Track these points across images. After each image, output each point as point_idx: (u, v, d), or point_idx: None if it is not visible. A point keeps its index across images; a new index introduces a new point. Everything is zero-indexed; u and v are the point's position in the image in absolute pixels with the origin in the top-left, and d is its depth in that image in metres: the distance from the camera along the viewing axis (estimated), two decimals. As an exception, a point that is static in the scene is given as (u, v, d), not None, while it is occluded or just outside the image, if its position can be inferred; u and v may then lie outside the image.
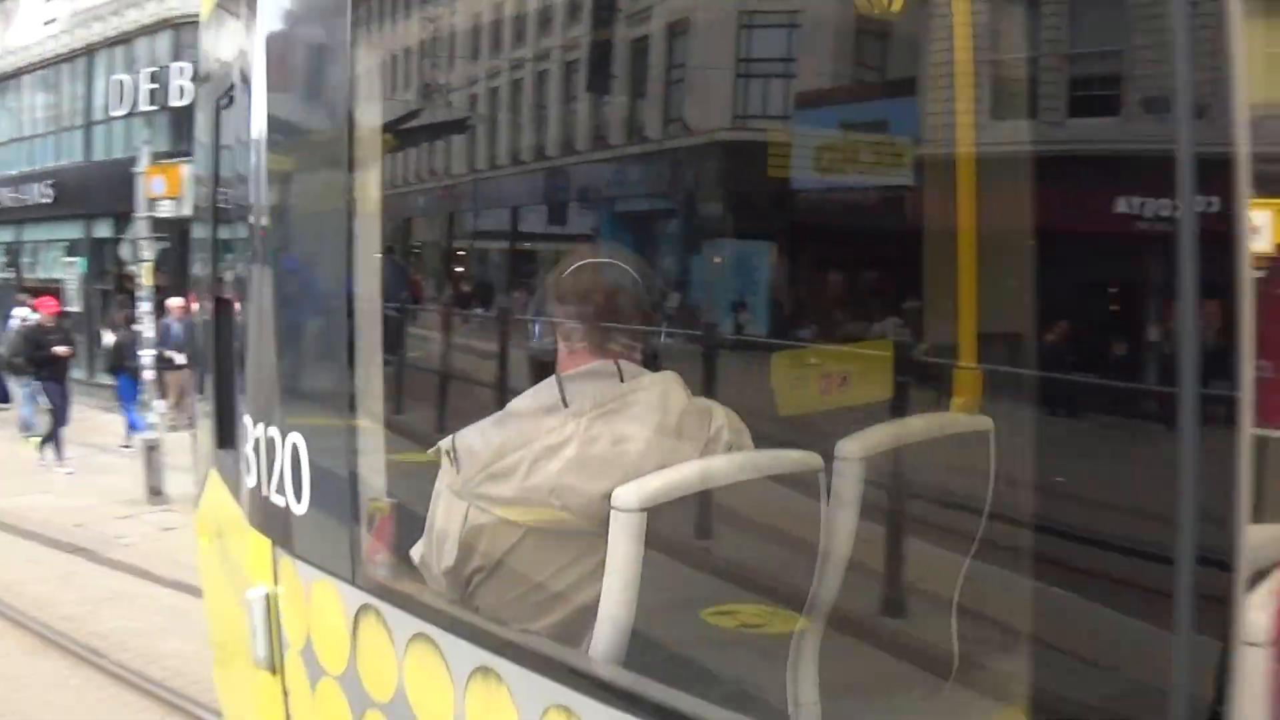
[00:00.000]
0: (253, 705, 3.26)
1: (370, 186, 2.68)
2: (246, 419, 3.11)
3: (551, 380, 2.26)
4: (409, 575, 2.43)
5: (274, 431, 2.88)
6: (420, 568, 2.35)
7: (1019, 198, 2.10)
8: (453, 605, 2.28)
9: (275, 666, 2.98)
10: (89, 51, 21.88)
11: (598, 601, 2.03)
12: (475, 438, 2.23)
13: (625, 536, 1.95)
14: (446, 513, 2.23)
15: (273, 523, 2.94)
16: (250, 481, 3.07)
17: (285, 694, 2.95)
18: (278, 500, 2.85)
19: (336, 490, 2.63)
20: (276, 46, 3.02)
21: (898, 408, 2.53)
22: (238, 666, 3.38)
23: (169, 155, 14.20)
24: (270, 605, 2.98)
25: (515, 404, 2.30)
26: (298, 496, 2.77)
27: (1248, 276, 1.37)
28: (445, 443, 2.24)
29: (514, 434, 2.18)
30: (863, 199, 2.76)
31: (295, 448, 2.76)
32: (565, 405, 2.19)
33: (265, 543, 3.00)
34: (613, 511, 1.96)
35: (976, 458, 2.24)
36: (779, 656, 2.20)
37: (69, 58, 22.42)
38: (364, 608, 2.52)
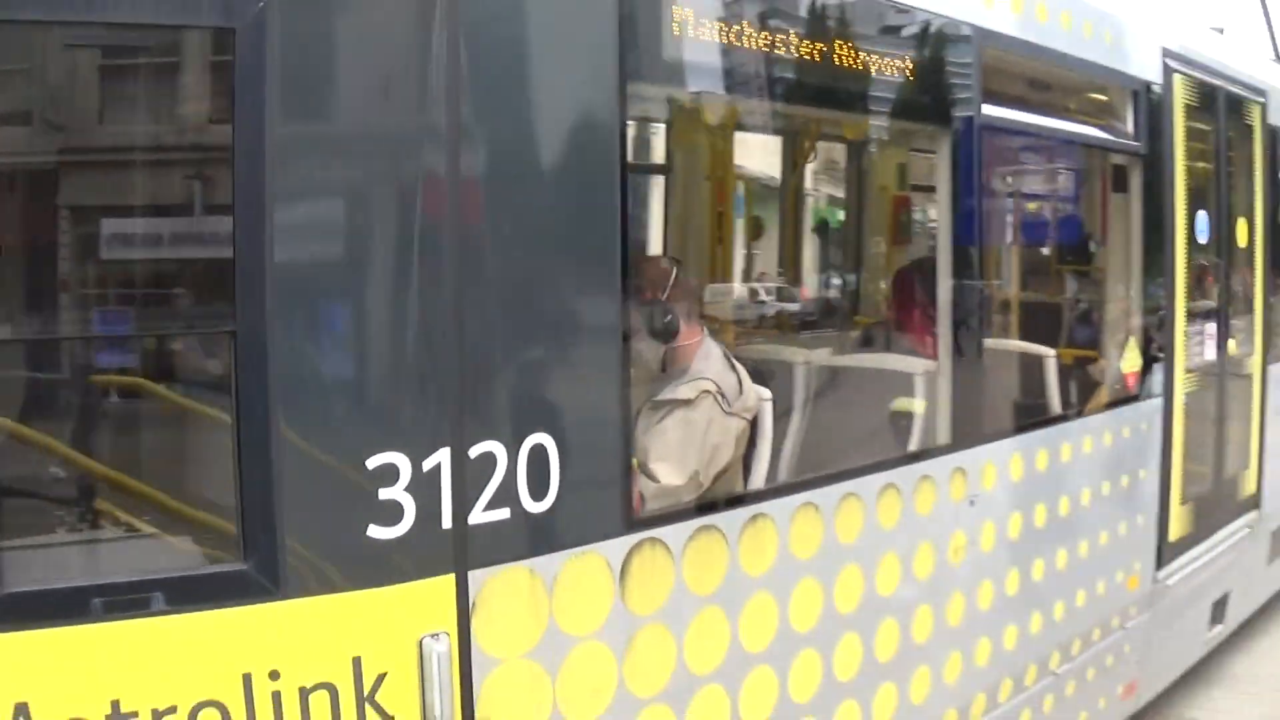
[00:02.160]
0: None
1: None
2: None
3: (705, 345, 3.61)
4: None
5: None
6: (679, 490, 3.25)
7: None
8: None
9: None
10: None
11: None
12: (719, 381, 3.46)
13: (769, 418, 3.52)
14: (720, 431, 3.41)
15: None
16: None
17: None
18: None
19: None
20: None
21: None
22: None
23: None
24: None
25: (705, 358, 3.58)
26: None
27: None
28: (708, 387, 3.41)
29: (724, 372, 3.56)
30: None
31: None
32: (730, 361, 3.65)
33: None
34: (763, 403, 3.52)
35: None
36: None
37: None
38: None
